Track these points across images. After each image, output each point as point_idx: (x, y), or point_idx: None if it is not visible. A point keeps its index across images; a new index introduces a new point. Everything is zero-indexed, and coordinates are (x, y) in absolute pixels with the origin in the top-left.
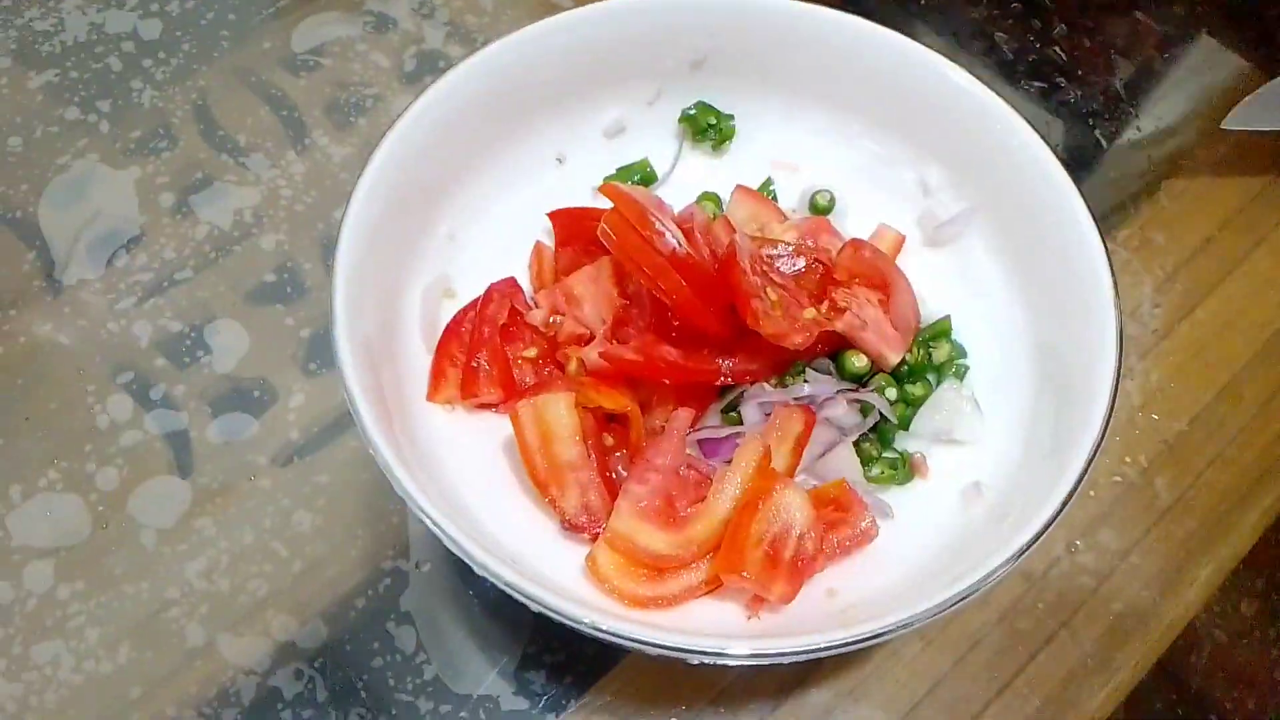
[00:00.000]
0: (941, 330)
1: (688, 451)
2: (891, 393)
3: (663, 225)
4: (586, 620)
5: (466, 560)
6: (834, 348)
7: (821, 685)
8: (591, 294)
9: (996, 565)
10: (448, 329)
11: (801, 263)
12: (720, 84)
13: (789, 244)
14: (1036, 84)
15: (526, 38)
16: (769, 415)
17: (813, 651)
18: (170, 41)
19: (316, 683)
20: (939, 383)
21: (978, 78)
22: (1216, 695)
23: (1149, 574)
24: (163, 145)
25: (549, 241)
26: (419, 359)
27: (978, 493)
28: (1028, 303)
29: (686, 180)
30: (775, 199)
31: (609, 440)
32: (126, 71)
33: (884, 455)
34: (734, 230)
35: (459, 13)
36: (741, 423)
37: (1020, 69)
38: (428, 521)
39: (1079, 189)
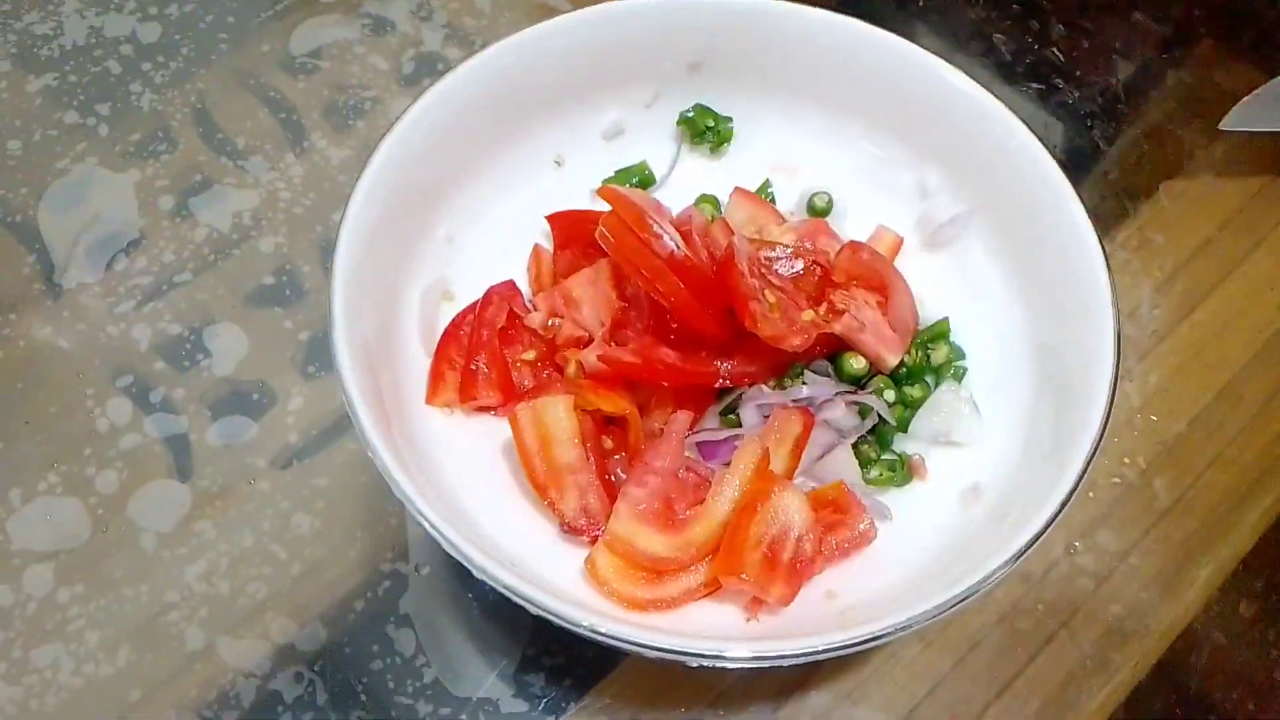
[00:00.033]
0: (940, 332)
1: (686, 454)
2: (890, 394)
3: (660, 228)
4: (585, 623)
5: (465, 563)
6: (832, 350)
7: (821, 687)
8: (590, 296)
9: (995, 567)
10: (446, 332)
11: (800, 265)
12: (718, 86)
13: (787, 246)
14: (1035, 85)
15: (525, 40)
16: (767, 417)
17: (812, 654)
18: (169, 45)
19: (316, 685)
20: (937, 384)
21: (976, 79)
22: (1216, 696)
23: (1148, 575)
24: (162, 148)
25: (547, 244)
26: (418, 362)
27: (976, 494)
28: (1026, 304)
29: (685, 182)
30: (773, 201)
31: (608, 443)
32: (125, 75)
33: (883, 457)
34: (732, 232)
35: (457, 15)
36: (740, 425)
37: (1019, 70)
38: (427, 525)
39: (1078, 190)
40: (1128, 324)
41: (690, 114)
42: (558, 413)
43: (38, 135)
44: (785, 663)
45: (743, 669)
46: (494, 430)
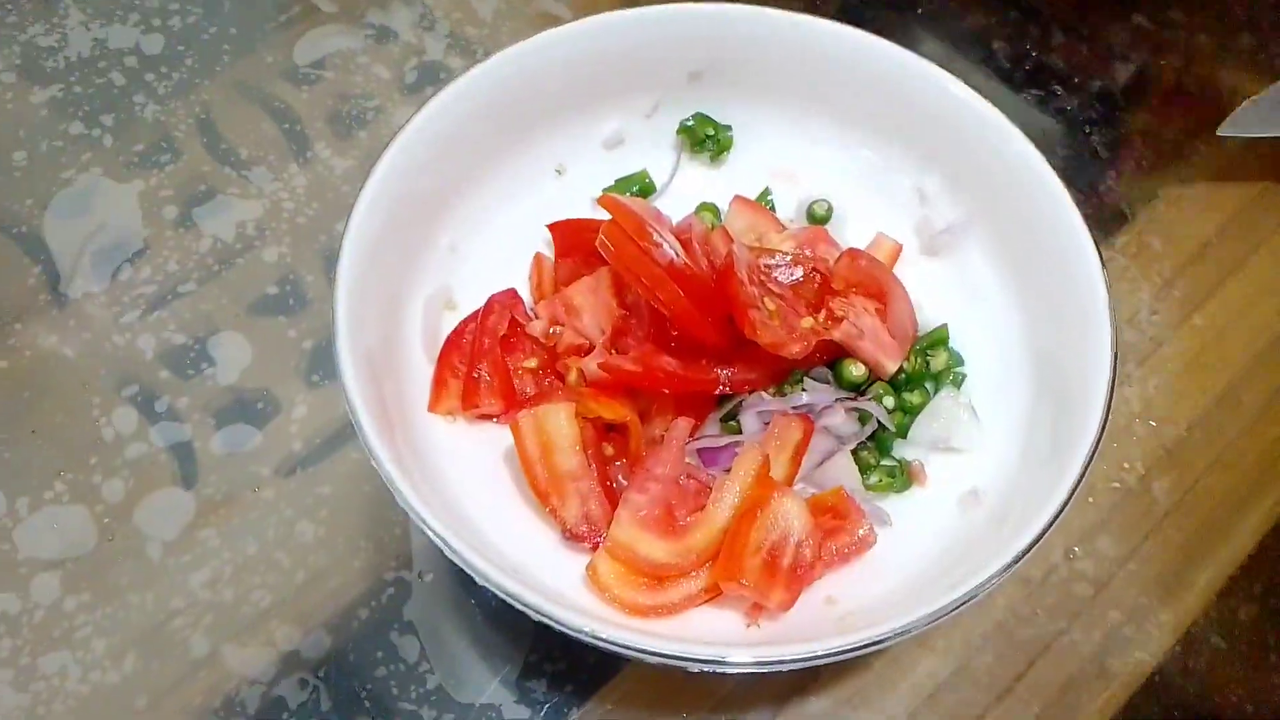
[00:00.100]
0: (939, 338)
1: (687, 460)
2: (889, 401)
3: (660, 236)
4: (587, 629)
5: (468, 570)
6: (832, 357)
7: (821, 693)
8: (591, 305)
9: (994, 571)
10: (449, 340)
11: (799, 272)
12: (718, 95)
13: (787, 254)
14: (1034, 91)
15: (526, 50)
16: (767, 424)
17: (812, 659)
18: (173, 56)
19: (320, 692)
20: (936, 391)
21: (975, 86)
22: (1215, 701)
23: (1147, 580)
24: (166, 159)
25: (549, 253)
26: (420, 370)
27: (975, 500)
28: (1024, 310)
29: (685, 191)
30: (773, 209)
31: (609, 450)
32: (129, 86)
33: (882, 463)
34: (732, 240)
35: (459, 25)
36: (740, 432)
37: (1017, 77)
38: (429, 532)
39: (1076, 196)
40: (1127, 329)
41: (690, 123)
42: (559, 420)
43: (43, 146)
44: (785, 668)
45: (743, 674)
46: (496, 438)
